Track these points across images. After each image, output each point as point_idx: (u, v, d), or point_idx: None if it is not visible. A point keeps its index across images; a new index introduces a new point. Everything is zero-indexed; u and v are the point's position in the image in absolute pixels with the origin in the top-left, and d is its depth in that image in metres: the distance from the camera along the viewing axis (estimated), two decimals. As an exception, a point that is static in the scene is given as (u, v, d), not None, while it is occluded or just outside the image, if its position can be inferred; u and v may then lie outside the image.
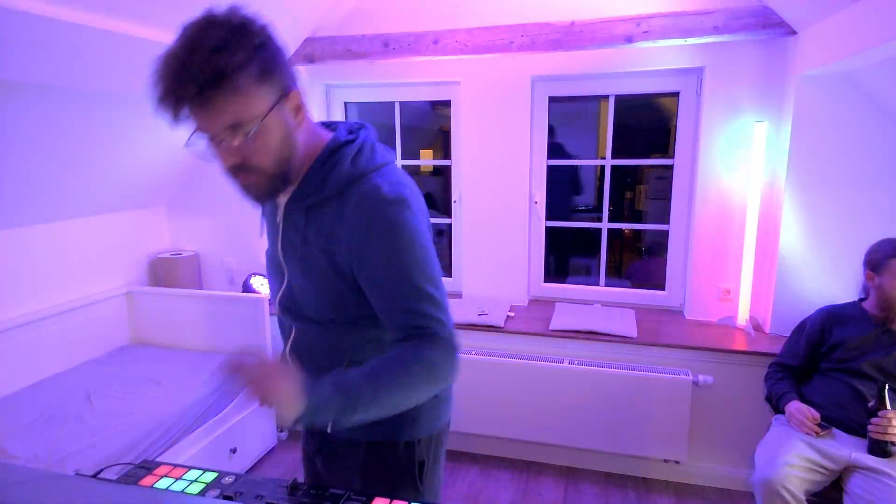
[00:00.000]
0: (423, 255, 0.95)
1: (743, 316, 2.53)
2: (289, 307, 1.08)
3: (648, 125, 3.24)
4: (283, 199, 1.02)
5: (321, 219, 0.98)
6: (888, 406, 1.74)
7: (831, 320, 2.04)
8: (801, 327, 2.15)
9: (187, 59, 0.78)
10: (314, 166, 0.97)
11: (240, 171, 0.89)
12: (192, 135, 0.86)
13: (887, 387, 1.76)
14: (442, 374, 0.94)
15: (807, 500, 1.78)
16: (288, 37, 2.67)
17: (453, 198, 3.06)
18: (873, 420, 1.75)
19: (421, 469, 1.11)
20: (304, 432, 1.24)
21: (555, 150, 3.04)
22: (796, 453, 1.81)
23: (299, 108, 0.93)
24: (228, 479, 0.95)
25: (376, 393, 0.88)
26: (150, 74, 0.81)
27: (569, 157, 3.22)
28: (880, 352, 1.89)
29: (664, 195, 2.83)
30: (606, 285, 2.96)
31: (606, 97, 2.76)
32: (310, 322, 1.05)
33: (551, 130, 2.90)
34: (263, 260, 3.10)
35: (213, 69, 0.78)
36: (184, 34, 0.81)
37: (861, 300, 2.03)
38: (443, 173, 3.21)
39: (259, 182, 0.91)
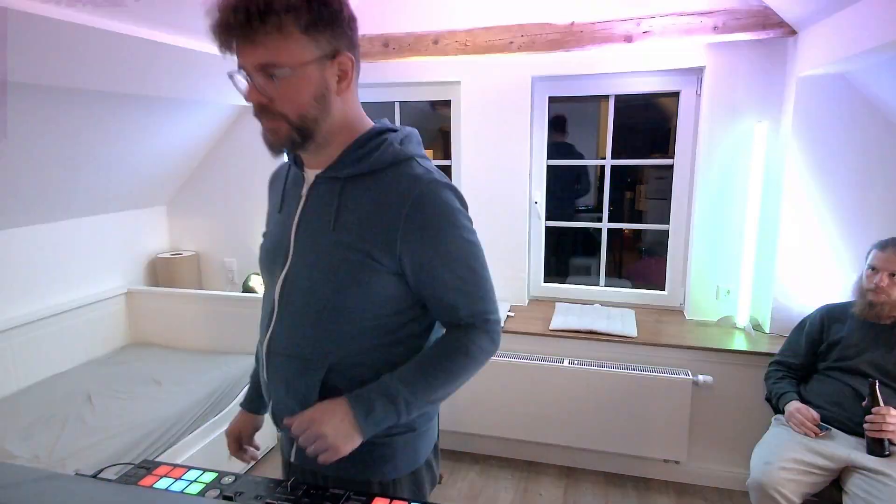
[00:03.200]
0: (474, 240, 0.99)
1: (743, 316, 2.53)
2: (284, 294, 1.00)
3: (648, 125, 3.24)
4: (311, 174, 1.00)
5: (359, 197, 0.94)
6: (881, 403, 1.75)
7: (830, 318, 2.05)
8: (801, 325, 2.16)
9: None
10: (358, 140, 0.96)
11: (264, 112, 0.89)
12: (237, 70, 0.88)
13: (878, 383, 1.77)
14: (484, 360, 0.99)
15: (806, 502, 1.78)
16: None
17: (453, 198, 3.05)
18: (867, 418, 1.76)
19: None
20: (283, 463, 1.17)
21: (565, 150, 3.05)
22: (792, 457, 1.81)
23: (345, 77, 0.91)
24: (228, 479, 0.95)
25: (426, 391, 0.95)
26: (208, 4, 0.84)
27: (580, 157, 3.22)
28: (879, 350, 1.89)
29: (664, 195, 2.83)
30: (606, 285, 2.95)
31: (606, 97, 2.76)
32: (300, 315, 0.98)
33: (562, 129, 2.90)
34: (263, 260, 3.09)
35: (265, 3, 0.80)
36: None
37: (860, 299, 2.04)
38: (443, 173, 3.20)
39: (278, 129, 0.90)
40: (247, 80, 0.88)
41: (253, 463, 1.07)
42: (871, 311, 1.92)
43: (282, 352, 1.00)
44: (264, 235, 1.10)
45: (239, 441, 1.20)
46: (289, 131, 0.90)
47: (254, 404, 1.20)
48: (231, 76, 0.89)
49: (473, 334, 0.99)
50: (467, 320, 0.99)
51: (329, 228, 0.95)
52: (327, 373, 0.97)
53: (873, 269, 1.92)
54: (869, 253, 1.98)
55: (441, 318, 1.03)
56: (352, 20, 0.90)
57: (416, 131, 1.05)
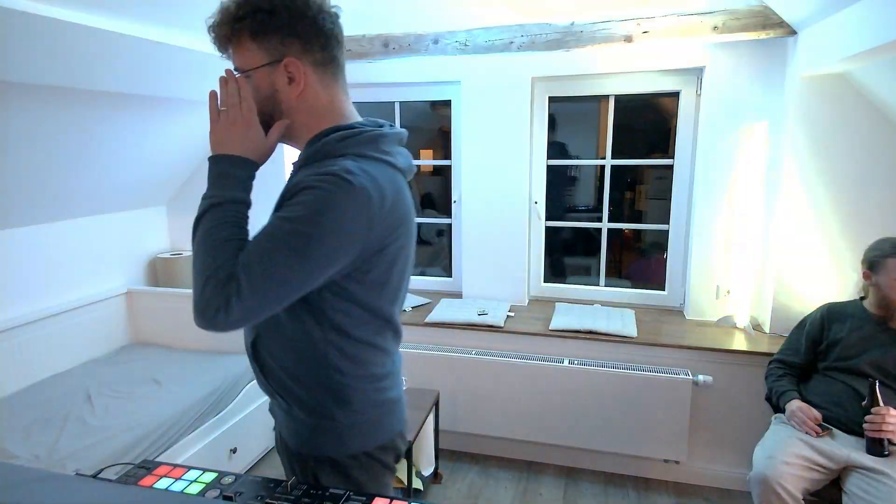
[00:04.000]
0: (301, 230, 0.88)
1: (743, 316, 2.53)
2: None
3: (648, 125, 3.24)
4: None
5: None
6: (881, 403, 1.75)
7: (831, 317, 2.05)
8: (801, 324, 2.15)
9: (231, 6, 0.96)
10: (318, 135, 1.01)
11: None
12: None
13: (878, 383, 1.77)
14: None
15: (806, 500, 1.78)
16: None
17: (453, 198, 3.05)
18: (867, 418, 1.75)
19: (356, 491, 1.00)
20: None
21: (557, 148, 3.04)
22: (794, 452, 1.81)
23: (294, 80, 0.98)
24: (228, 479, 0.95)
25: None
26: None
27: (568, 156, 3.22)
28: (880, 350, 1.89)
29: (664, 195, 2.83)
30: (606, 285, 2.95)
31: (606, 97, 2.76)
32: None
33: (552, 127, 2.89)
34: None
35: (229, 15, 0.96)
36: None
37: (861, 298, 2.04)
38: (443, 173, 3.21)
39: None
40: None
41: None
42: (889, 313, 1.91)
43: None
44: None
45: None
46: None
47: None
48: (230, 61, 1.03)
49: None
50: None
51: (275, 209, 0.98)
52: (256, 340, 1.06)
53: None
54: (879, 261, 1.91)
55: None
56: (312, 27, 0.97)
57: (398, 134, 1.06)
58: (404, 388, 1.34)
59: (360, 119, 1.06)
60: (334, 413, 1.03)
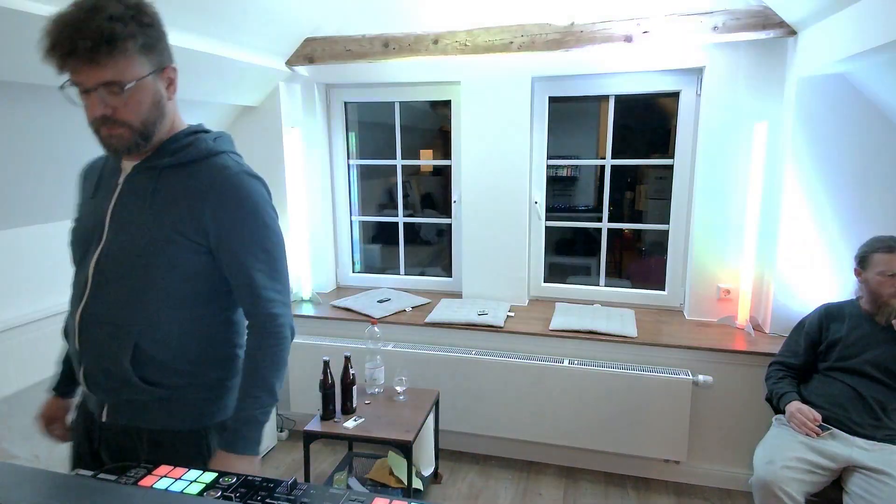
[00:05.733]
0: (273, 227, 1.15)
1: (743, 316, 2.53)
2: (98, 270, 1.14)
3: (648, 125, 3.24)
4: (127, 165, 1.14)
5: (175, 184, 1.10)
6: None
7: (829, 317, 2.05)
8: (800, 325, 2.16)
9: (86, 20, 0.94)
10: (176, 136, 1.12)
11: (106, 122, 1.03)
12: (67, 82, 1.02)
13: None
14: (289, 336, 1.18)
15: (808, 501, 1.78)
16: (288, 37, 2.68)
17: (453, 198, 3.06)
18: None
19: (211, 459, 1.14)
20: (79, 416, 1.26)
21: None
22: (795, 455, 1.81)
23: (171, 83, 1.10)
24: (228, 479, 0.95)
25: (270, 393, 1.14)
26: (44, 29, 0.95)
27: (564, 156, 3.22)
28: (880, 349, 1.89)
29: (664, 195, 2.83)
30: (606, 285, 2.96)
31: (606, 97, 2.76)
32: (114, 287, 1.12)
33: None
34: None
35: (108, 32, 0.95)
36: (84, 1, 0.96)
37: (858, 298, 2.04)
38: (443, 173, 3.21)
39: (123, 135, 1.05)
40: (84, 95, 1.02)
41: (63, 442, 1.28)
42: (878, 308, 1.92)
43: (95, 321, 1.13)
44: (76, 221, 1.25)
45: (51, 423, 1.32)
46: (131, 135, 1.05)
47: (64, 388, 1.32)
48: (65, 92, 1.04)
49: (271, 327, 1.14)
50: (264, 305, 1.14)
51: (144, 210, 1.10)
52: (139, 337, 1.10)
53: (889, 274, 1.89)
54: (867, 257, 1.96)
55: (241, 298, 1.16)
56: (166, 36, 1.08)
57: (229, 134, 1.22)
58: (404, 388, 1.40)
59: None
60: (226, 382, 1.21)
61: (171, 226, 1.08)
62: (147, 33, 1.01)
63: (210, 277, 1.14)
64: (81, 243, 1.21)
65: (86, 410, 1.22)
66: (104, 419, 1.16)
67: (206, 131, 1.17)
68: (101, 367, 1.12)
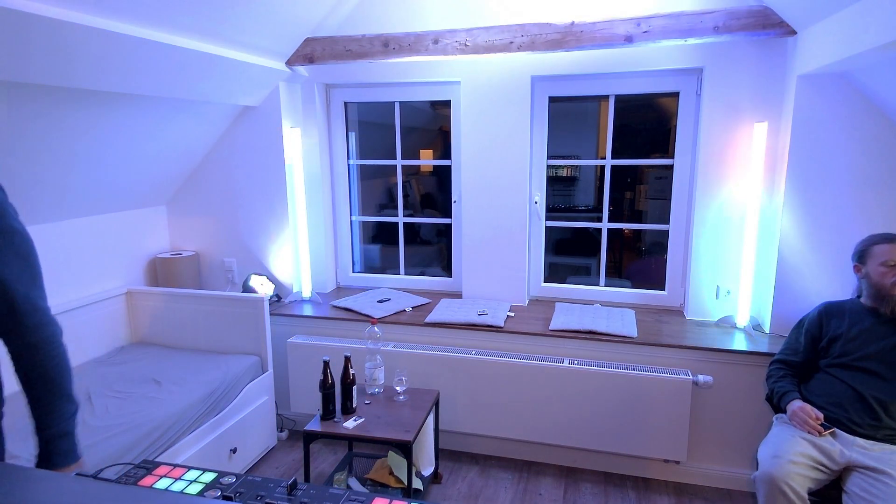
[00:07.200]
0: (19, 228, 1.10)
1: (743, 316, 2.53)
2: None
3: (648, 125, 3.24)
4: None
5: None
6: None
7: (829, 313, 2.06)
8: (800, 323, 2.16)
9: None
10: None
11: None
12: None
13: None
14: (61, 342, 1.22)
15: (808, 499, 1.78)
16: (288, 37, 2.67)
17: (453, 198, 3.06)
18: None
19: None
20: None
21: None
22: (799, 451, 1.81)
23: None
24: (228, 479, 0.95)
25: (66, 400, 1.18)
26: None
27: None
28: (881, 343, 1.89)
29: (664, 195, 2.83)
30: (606, 285, 2.96)
31: (606, 97, 2.76)
32: None
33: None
34: (263, 259, 3.10)
35: None
36: None
37: (859, 296, 2.05)
38: (443, 173, 3.21)
39: None
40: None
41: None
42: (882, 300, 1.92)
43: None
44: None
45: None
46: None
47: None
48: None
49: (44, 335, 1.15)
50: (32, 317, 1.11)
51: None
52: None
53: (890, 264, 1.90)
54: (866, 251, 1.97)
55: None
56: None
57: None
58: (404, 388, 1.37)
59: None
60: None
61: None
62: None
63: None
64: None
65: None
66: None
67: None
68: None
